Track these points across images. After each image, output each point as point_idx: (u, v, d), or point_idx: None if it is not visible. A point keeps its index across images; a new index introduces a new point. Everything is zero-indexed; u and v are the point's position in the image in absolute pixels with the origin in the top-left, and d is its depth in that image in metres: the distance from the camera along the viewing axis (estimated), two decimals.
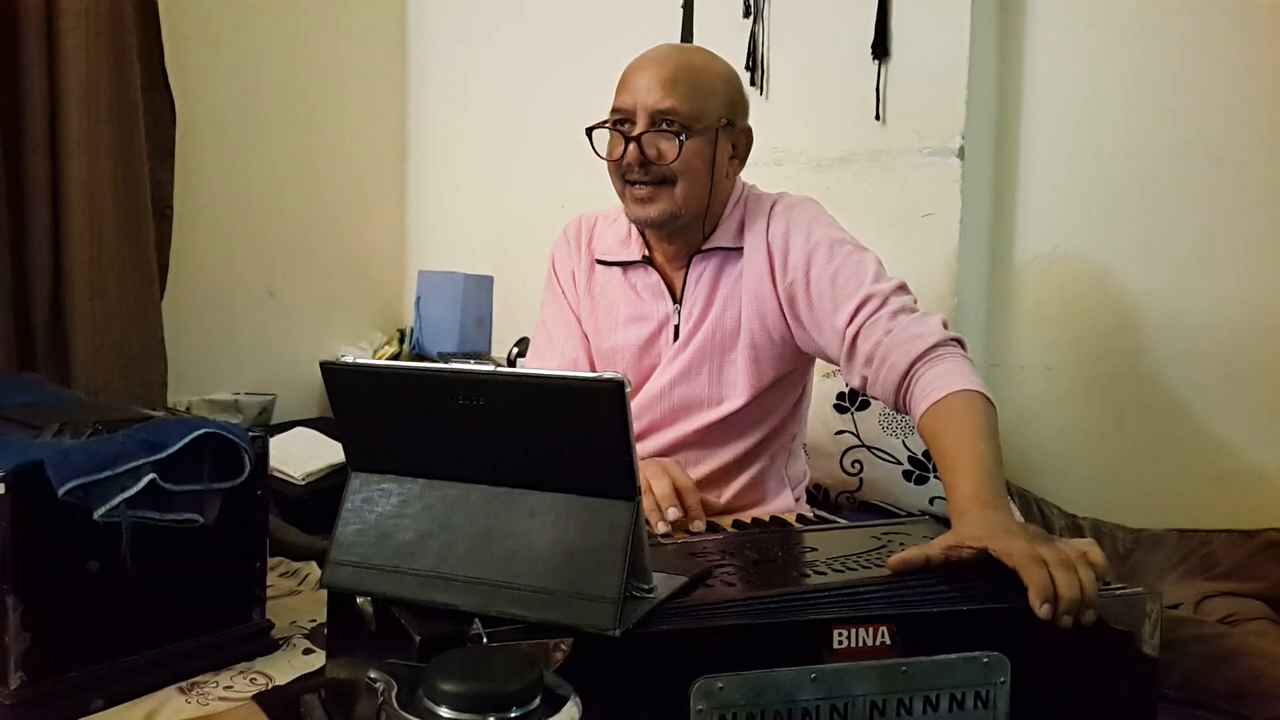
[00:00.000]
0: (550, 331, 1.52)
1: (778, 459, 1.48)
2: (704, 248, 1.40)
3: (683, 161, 1.31)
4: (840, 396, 1.87)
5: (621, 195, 1.38)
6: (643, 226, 1.40)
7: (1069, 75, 1.94)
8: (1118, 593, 0.90)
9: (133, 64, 2.03)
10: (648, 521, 1.19)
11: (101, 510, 1.13)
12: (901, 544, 1.07)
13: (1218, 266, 1.80)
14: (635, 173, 1.33)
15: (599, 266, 1.48)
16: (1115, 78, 1.89)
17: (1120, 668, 0.91)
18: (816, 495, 1.87)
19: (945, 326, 1.25)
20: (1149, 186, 1.86)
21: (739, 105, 1.39)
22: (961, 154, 1.89)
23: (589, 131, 1.37)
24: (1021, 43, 1.98)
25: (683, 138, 1.30)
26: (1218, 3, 1.79)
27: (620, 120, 1.34)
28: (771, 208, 1.40)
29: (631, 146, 1.31)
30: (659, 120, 1.31)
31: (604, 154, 1.37)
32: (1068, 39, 1.94)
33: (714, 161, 1.34)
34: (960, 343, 1.24)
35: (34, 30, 1.89)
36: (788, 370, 1.42)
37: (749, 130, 1.42)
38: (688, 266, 1.42)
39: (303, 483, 2.05)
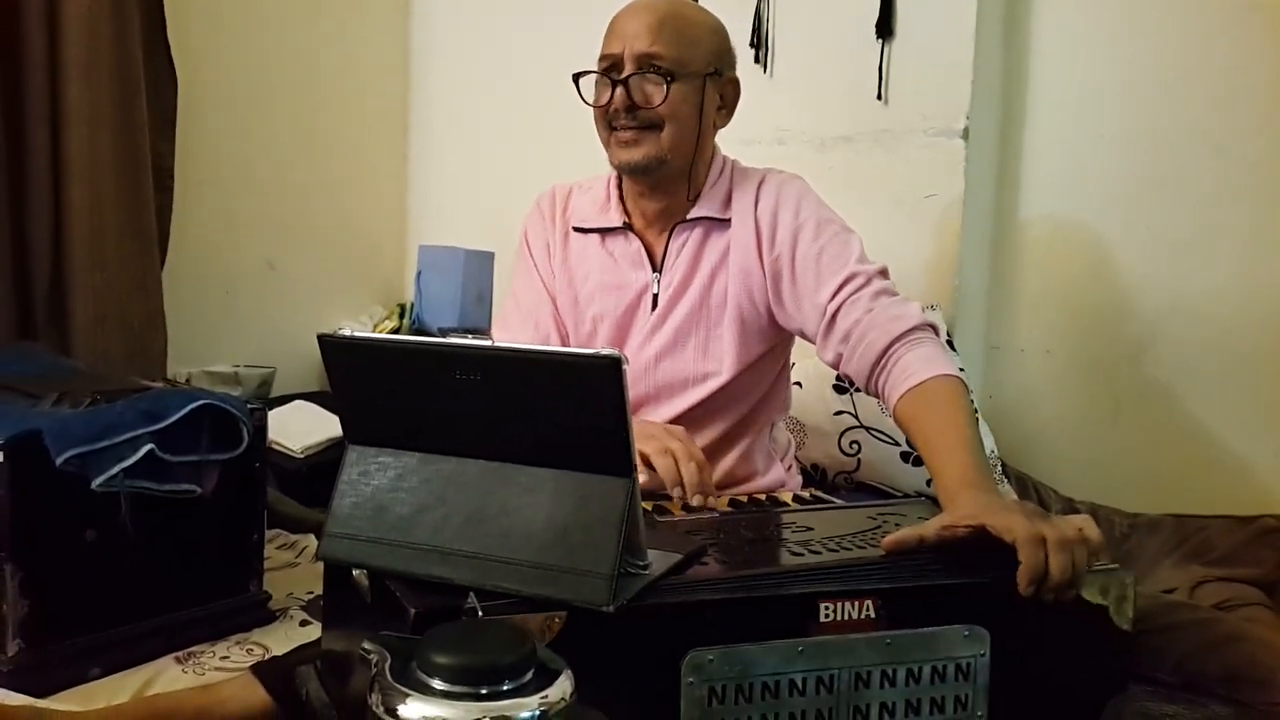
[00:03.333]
0: (520, 303, 1.49)
1: (763, 432, 1.48)
2: (688, 216, 1.39)
3: (669, 105, 1.30)
4: (839, 377, 1.87)
5: (606, 144, 1.37)
6: (627, 172, 1.37)
7: (1074, 58, 1.93)
8: (1095, 569, 0.91)
9: (134, 35, 2.01)
10: (653, 497, 1.18)
11: (99, 480, 1.14)
12: (897, 524, 1.07)
13: (1218, 252, 1.80)
14: (622, 118, 1.32)
15: (575, 235, 1.46)
16: (1120, 61, 1.88)
17: (1095, 642, 0.93)
18: (814, 475, 1.87)
19: (922, 312, 1.26)
20: (1152, 171, 1.86)
21: (726, 56, 1.39)
22: (965, 135, 1.88)
23: (576, 79, 1.36)
24: (1027, 25, 1.96)
25: (670, 80, 1.29)
26: None
27: (608, 67, 1.33)
28: (760, 182, 1.39)
29: (619, 91, 1.31)
30: (646, 65, 1.30)
31: (590, 101, 1.36)
32: (1073, 22, 1.93)
33: (701, 109, 1.33)
34: (935, 329, 1.26)
35: (35, 1, 1.88)
36: (772, 345, 1.42)
37: (736, 81, 1.41)
38: (669, 235, 1.41)
39: (301, 456, 2.06)
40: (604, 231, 1.44)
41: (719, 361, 1.38)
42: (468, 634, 0.67)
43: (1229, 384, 1.80)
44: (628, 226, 1.42)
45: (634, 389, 1.41)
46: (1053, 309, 1.98)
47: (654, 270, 1.41)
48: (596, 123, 1.37)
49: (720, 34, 1.39)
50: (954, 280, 1.92)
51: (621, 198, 1.43)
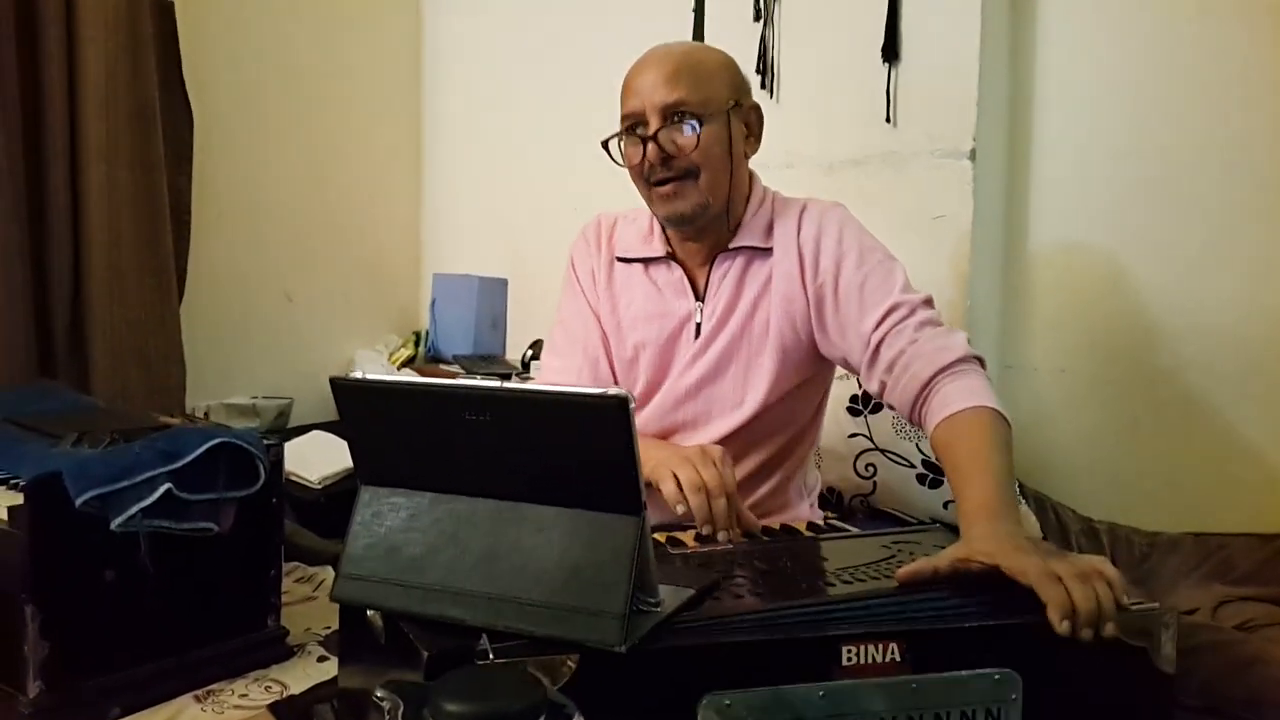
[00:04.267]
0: (570, 330, 1.51)
1: (798, 468, 1.48)
2: (730, 246, 1.40)
3: (702, 150, 1.32)
4: (853, 399, 1.87)
5: (648, 199, 1.38)
6: (674, 224, 1.39)
7: (1080, 76, 1.93)
8: (1133, 608, 0.89)
9: (151, 74, 2.05)
10: (666, 529, 1.19)
11: (118, 520, 1.15)
12: (911, 554, 1.06)
13: (1231, 267, 1.79)
14: (658, 171, 1.33)
15: (619, 264, 1.48)
16: (1126, 78, 1.88)
17: (1134, 684, 0.90)
18: (830, 498, 1.87)
19: (968, 344, 1.25)
20: (1162, 187, 1.85)
21: (741, 85, 1.40)
22: (973, 156, 1.89)
23: (604, 144, 1.38)
24: (1033, 44, 1.97)
25: (697, 126, 1.31)
26: (1227, 3, 1.77)
27: (633, 125, 1.35)
28: (802, 210, 1.40)
29: (650, 146, 1.32)
30: (670, 114, 1.31)
31: (622, 162, 1.38)
32: (1079, 40, 1.93)
33: (730, 144, 1.35)
34: (981, 361, 1.24)
35: (54, 40, 1.91)
36: (812, 374, 1.42)
37: (757, 106, 1.42)
38: (711, 264, 1.42)
39: (319, 486, 2.07)
40: (647, 261, 1.46)
41: (759, 389, 1.39)
42: (479, 680, 0.68)
43: (1246, 399, 1.79)
44: (670, 256, 1.44)
45: (675, 415, 1.42)
46: (1066, 327, 1.97)
47: (697, 299, 1.42)
48: (634, 181, 1.38)
49: (731, 66, 1.40)
50: (966, 301, 1.92)
51: (664, 229, 1.45)
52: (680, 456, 1.21)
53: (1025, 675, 0.86)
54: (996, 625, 0.87)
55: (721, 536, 1.15)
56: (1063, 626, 0.84)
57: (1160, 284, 1.86)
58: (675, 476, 1.18)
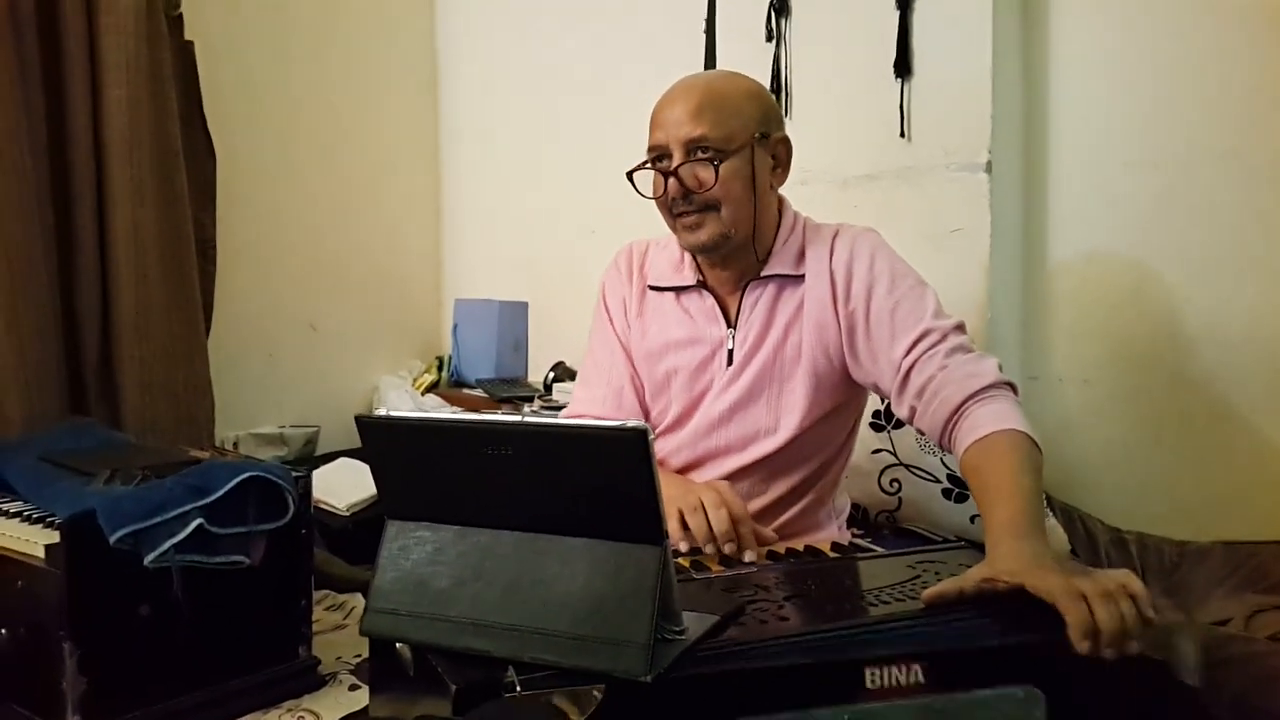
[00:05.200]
0: (597, 360, 1.53)
1: (829, 491, 1.48)
2: (762, 274, 1.41)
3: (722, 186, 1.33)
4: (876, 415, 1.87)
5: (673, 228, 1.41)
6: (697, 252, 1.41)
7: (1094, 86, 1.93)
8: (1157, 622, 0.89)
9: (173, 113, 2.09)
10: (692, 553, 1.20)
11: (151, 556, 1.17)
12: (937, 574, 1.06)
13: (1253, 274, 1.78)
14: (680, 204, 1.36)
15: (651, 292, 1.50)
16: (1141, 87, 1.88)
17: (1159, 699, 0.90)
18: (856, 515, 1.86)
19: (1000, 370, 1.25)
20: (1181, 195, 1.84)
21: (771, 117, 1.40)
22: (989, 168, 1.89)
23: (630, 175, 1.39)
24: (1045, 54, 1.97)
25: (718, 163, 1.32)
26: (1239, 10, 1.77)
27: (658, 157, 1.37)
28: (834, 237, 1.41)
29: (672, 181, 1.34)
30: (692, 149, 1.33)
31: (647, 193, 1.39)
32: (1091, 49, 1.93)
33: (754, 178, 1.36)
34: (1013, 387, 1.25)
35: (79, 84, 1.95)
36: (844, 400, 1.43)
37: (787, 139, 1.42)
38: (743, 291, 1.43)
39: (347, 513, 2.08)
40: (679, 289, 1.47)
41: (790, 415, 1.40)
42: (507, 713, 0.69)
43: (1272, 405, 1.77)
44: (702, 284, 1.45)
45: (706, 442, 1.44)
46: (1088, 337, 1.96)
47: (729, 326, 1.43)
48: (660, 211, 1.41)
49: (760, 97, 1.41)
50: (986, 313, 1.91)
51: (695, 257, 1.46)
52: (683, 492, 1.23)
53: (1049, 693, 0.86)
54: (1018, 643, 0.88)
55: (728, 549, 1.18)
56: (1083, 646, 0.84)
57: (1182, 292, 1.85)
58: (680, 516, 1.20)
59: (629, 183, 1.39)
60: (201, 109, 2.25)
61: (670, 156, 1.34)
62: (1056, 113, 1.97)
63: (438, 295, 3.03)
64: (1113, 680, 0.88)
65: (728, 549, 1.18)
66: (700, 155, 1.33)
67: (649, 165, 1.38)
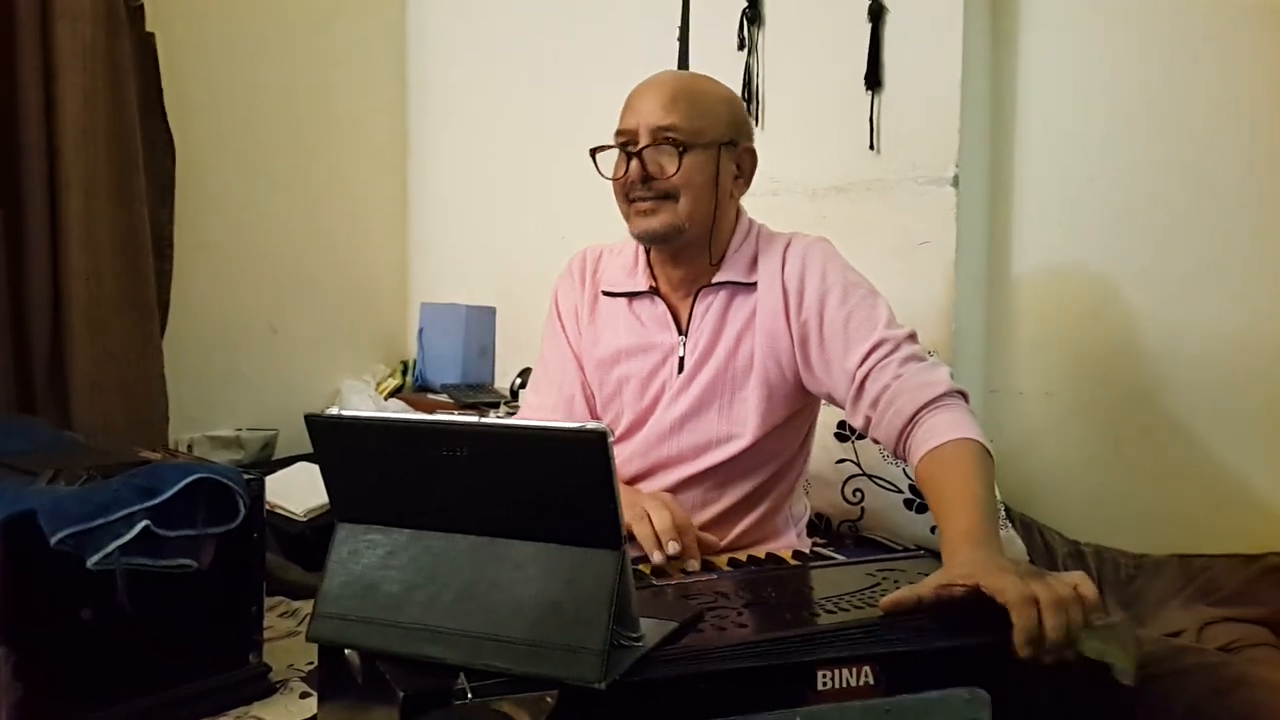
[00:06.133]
0: (548, 367, 1.52)
1: (785, 498, 1.47)
2: (714, 280, 1.40)
3: (683, 175, 1.32)
4: (841, 425, 1.87)
5: (627, 216, 1.39)
6: (646, 241, 1.40)
7: (1061, 102, 1.95)
8: (1096, 624, 0.90)
9: (132, 105, 2.04)
10: (640, 559, 1.18)
11: (95, 558, 1.13)
12: (896, 582, 1.06)
13: (1215, 290, 1.80)
14: (638, 189, 1.34)
15: (603, 299, 1.49)
16: (1105, 104, 1.90)
17: (1098, 700, 0.92)
18: (818, 524, 1.86)
19: (951, 378, 1.26)
20: (1144, 211, 1.86)
21: (742, 126, 1.40)
22: (956, 182, 1.90)
23: (594, 154, 1.38)
24: (1014, 70, 1.99)
25: (683, 151, 1.31)
26: (1204, 30, 1.80)
27: (625, 142, 1.36)
28: (787, 246, 1.40)
29: (634, 163, 1.33)
30: (660, 137, 1.32)
31: (607, 174, 1.38)
32: (1058, 67, 1.95)
33: (717, 179, 1.35)
34: (965, 395, 1.25)
35: (31, 71, 1.91)
36: (798, 409, 1.42)
37: (753, 151, 1.42)
38: (695, 298, 1.42)
39: (304, 519, 2.04)
40: (631, 295, 1.46)
41: (743, 424, 1.39)
42: None
43: (1231, 420, 1.80)
44: (654, 290, 1.44)
45: (658, 451, 1.42)
46: (1051, 351, 1.98)
47: (680, 333, 1.42)
48: (616, 196, 1.39)
49: (734, 105, 1.41)
50: (951, 326, 1.92)
51: (649, 263, 1.45)
52: (627, 503, 1.22)
53: (994, 693, 0.87)
54: (964, 645, 0.89)
55: (672, 549, 1.17)
56: (1025, 651, 0.85)
57: (1144, 307, 1.87)
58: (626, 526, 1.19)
59: (591, 161, 1.38)
60: (162, 102, 2.21)
61: (636, 141, 1.34)
62: (1023, 128, 1.99)
63: (404, 298, 3.00)
64: (1056, 681, 0.89)
65: (671, 548, 1.17)
66: (666, 143, 1.32)
67: (617, 148, 1.37)
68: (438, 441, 0.83)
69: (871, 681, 0.85)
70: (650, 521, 1.19)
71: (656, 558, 1.17)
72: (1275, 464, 1.75)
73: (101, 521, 1.14)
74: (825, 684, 0.84)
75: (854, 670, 0.85)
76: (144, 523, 1.16)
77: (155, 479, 1.21)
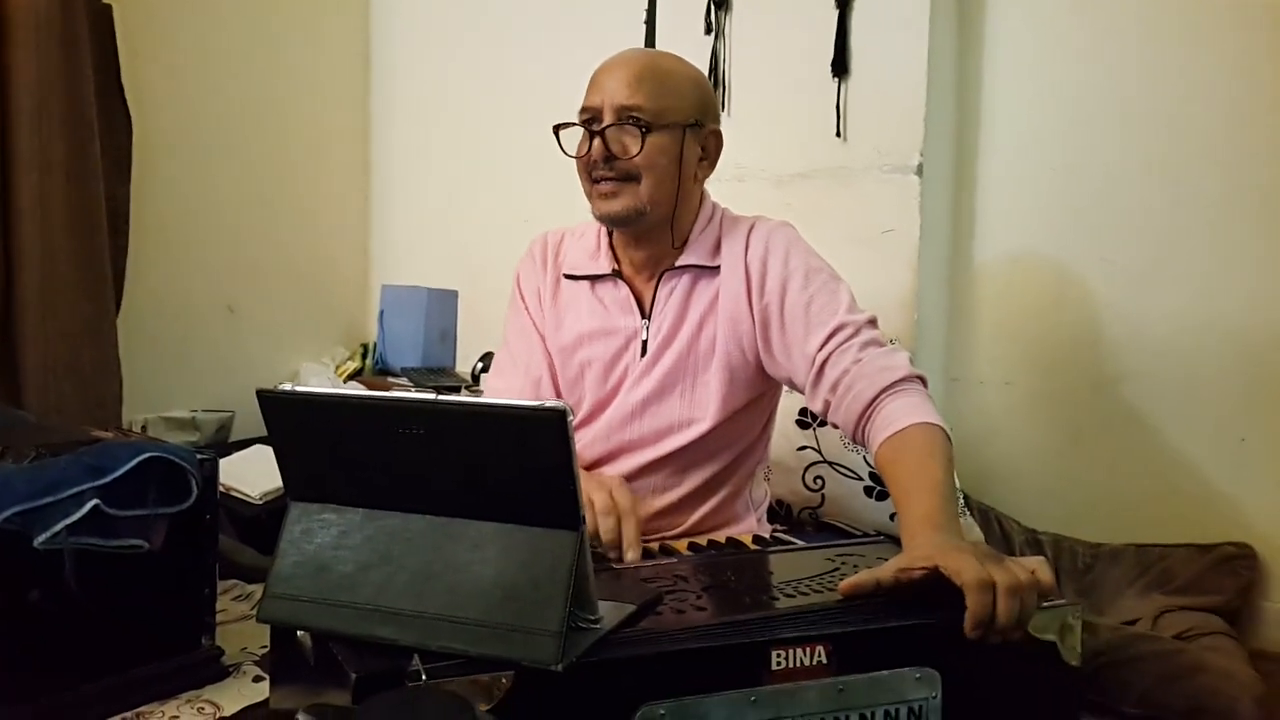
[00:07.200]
0: (513, 350, 1.50)
1: (745, 483, 1.47)
2: (676, 264, 1.40)
3: (646, 156, 1.31)
4: (802, 412, 1.87)
5: (589, 195, 1.37)
6: (608, 224, 1.38)
7: (1025, 93, 1.96)
8: (1043, 606, 0.91)
9: (87, 78, 2.00)
10: (596, 541, 1.17)
11: (42, 538, 1.11)
12: (855, 566, 1.07)
13: (1174, 281, 1.82)
14: (600, 168, 1.32)
15: (566, 281, 1.47)
16: (1069, 96, 1.91)
17: (1045, 679, 0.93)
18: (779, 511, 1.86)
19: (910, 363, 1.26)
20: (1106, 202, 1.88)
21: (708, 108, 1.39)
22: (920, 171, 1.90)
23: (557, 131, 1.36)
24: (979, 61, 2.00)
25: (646, 131, 1.30)
26: (1167, 25, 1.82)
27: (588, 120, 1.34)
28: (750, 230, 1.39)
29: (596, 141, 1.31)
30: (624, 116, 1.31)
31: (570, 152, 1.36)
32: (1024, 57, 1.96)
33: (681, 160, 1.34)
34: (924, 380, 1.26)
35: None
36: (759, 393, 1.42)
37: (719, 134, 1.41)
38: (658, 281, 1.41)
39: (260, 502, 2.01)
40: (594, 278, 1.44)
41: (705, 408, 1.38)
42: (406, 702, 0.66)
43: (1188, 412, 1.82)
44: (616, 274, 1.43)
45: (620, 435, 1.41)
46: (1011, 341, 1.99)
47: (643, 316, 1.41)
48: (579, 174, 1.37)
49: (702, 86, 1.39)
50: (913, 314, 1.93)
51: (611, 245, 1.43)
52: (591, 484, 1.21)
53: (944, 673, 0.88)
54: (915, 625, 0.90)
55: (629, 556, 1.15)
56: (975, 634, 0.86)
57: (1104, 298, 1.89)
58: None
59: (555, 138, 1.36)
60: (119, 77, 2.16)
61: (600, 119, 1.32)
62: (987, 118, 2.00)
63: (365, 280, 2.97)
64: (1002, 660, 0.90)
65: (630, 556, 1.15)
66: (630, 123, 1.31)
67: (578, 125, 1.35)
68: (394, 419, 0.81)
69: (825, 661, 0.86)
70: (593, 510, 1.17)
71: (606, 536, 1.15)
72: (1231, 454, 1.78)
73: (49, 500, 1.12)
74: (780, 663, 0.84)
75: (808, 650, 0.85)
76: (93, 502, 1.14)
77: (106, 457, 1.19)
